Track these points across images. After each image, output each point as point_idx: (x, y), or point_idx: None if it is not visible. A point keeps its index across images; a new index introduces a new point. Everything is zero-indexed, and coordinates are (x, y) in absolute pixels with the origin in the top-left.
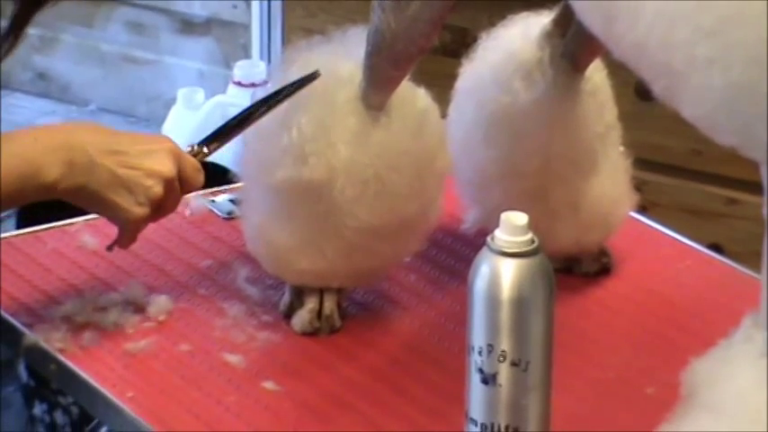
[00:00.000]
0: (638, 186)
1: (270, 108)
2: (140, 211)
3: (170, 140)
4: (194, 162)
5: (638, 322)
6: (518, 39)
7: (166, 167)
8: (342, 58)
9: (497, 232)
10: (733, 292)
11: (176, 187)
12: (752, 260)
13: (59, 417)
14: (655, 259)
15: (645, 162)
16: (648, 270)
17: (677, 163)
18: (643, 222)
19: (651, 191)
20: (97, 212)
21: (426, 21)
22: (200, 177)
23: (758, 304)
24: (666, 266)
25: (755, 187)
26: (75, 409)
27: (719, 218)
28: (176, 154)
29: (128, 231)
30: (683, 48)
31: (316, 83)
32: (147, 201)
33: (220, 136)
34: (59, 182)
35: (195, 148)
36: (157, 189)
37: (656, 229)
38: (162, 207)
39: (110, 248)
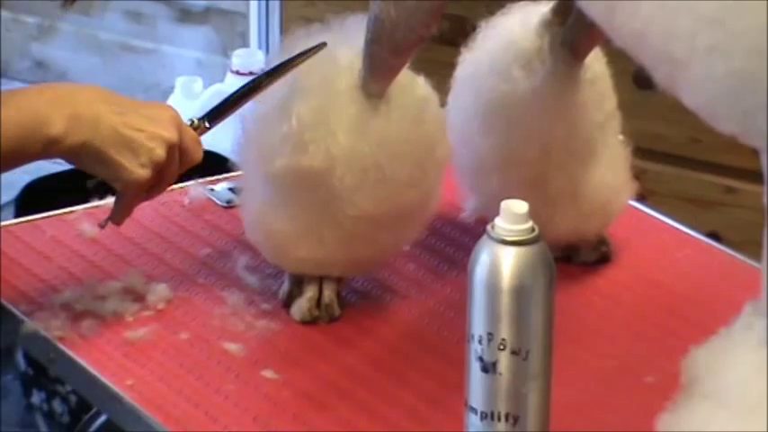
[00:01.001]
0: (637, 175)
1: (272, 81)
2: (143, 172)
3: (172, 109)
4: (194, 134)
5: (637, 311)
6: (517, 27)
7: (169, 132)
8: (341, 46)
9: (497, 220)
10: (732, 281)
11: (176, 156)
12: (750, 249)
13: (58, 405)
14: (654, 248)
15: (643, 151)
16: (647, 259)
17: (675, 152)
18: (642, 211)
19: (649, 179)
20: (99, 173)
21: (426, 9)
22: (200, 150)
23: (758, 293)
24: (666, 255)
25: (754, 176)
26: (73, 398)
27: (717, 206)
28: (178, 123)
29: (126, 197)
30: (684, 36)
31: (315, 71)
32: (150, 163)
33: (222, 110)
34: (64, 136)
35: (196, 121)
36: (160, 152)
37: (656, 218)
38: (161, 176)
39: (103, 225)
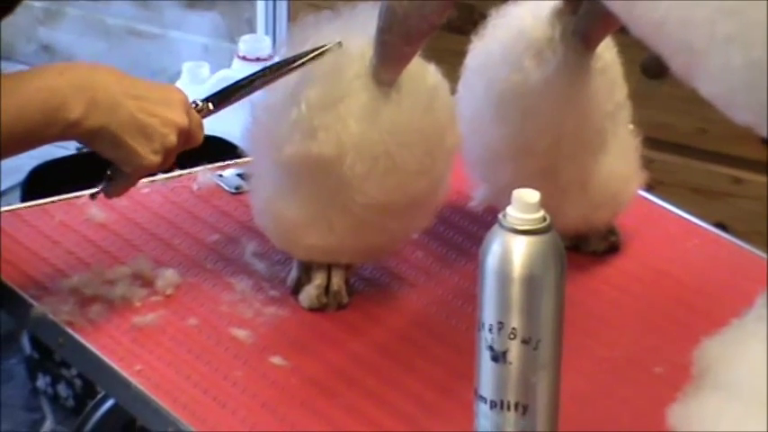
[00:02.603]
0: (644, 165)
1: (281, 74)
2: (155, 159)
3: (182, 91)
4: (199, 117)
5: (645, 301)
6: (529, 16)
7: (181, 118)
8: (352, 34)
9: (509, 209)
10: (741, 272)
11: (183, 140)
12: (756, 239)
13: (63, 389)
14: (662, 238)
15: (650, 140)
16: (656, 249)
17: (683, 141)
18: (650, 201)
19: (656, 169)
20: (111, 156)
21: None
22: (201, 134)
23: (766, 283)
24: (674, 245)
25: (761, 167)
26: (78, 382)
27: (724, 197)
28: (187, 106)
29: (131, 178)
30: (702, 26)
31: (326, 59)
32: (162, 149)
33: (227, 94)
34: (82, 120)
35: (200, 103)
36: (173, 138)
37: (664, 208)
38: (165, 157)
39: (93, 197)
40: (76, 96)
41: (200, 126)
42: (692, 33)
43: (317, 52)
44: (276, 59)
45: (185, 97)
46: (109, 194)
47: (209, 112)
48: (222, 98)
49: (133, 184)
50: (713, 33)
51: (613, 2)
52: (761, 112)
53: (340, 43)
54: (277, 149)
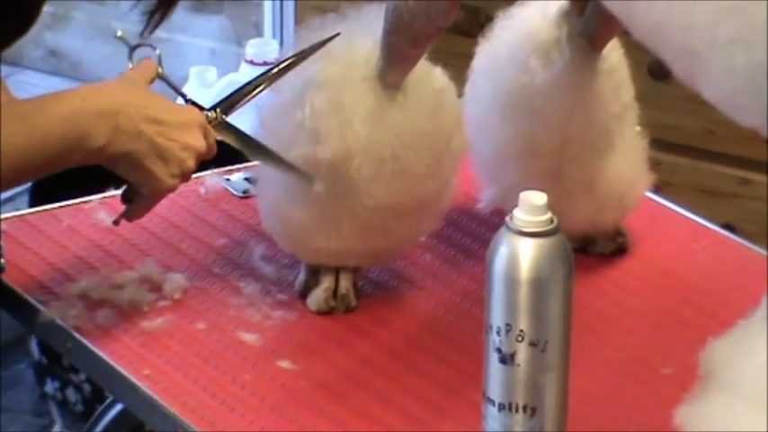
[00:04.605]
0: (651, 166)
1: (285, 71)
2: (172, 182)
3: (198, 112)
4: (214, 135)
5: (653, 302)
6: (535, 18)
7: (200, 142)
8: (358, 36)
9: (516, 212)
10: (749, 273)
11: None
12: (763, 240)
13: (71, 394)
14: (670, 239)
15: (657, 142)
16: (664, 250)
17: (690, 143)
18: (658, 202)
19: (664, 171)
20: (130, 178)
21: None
22: (215, 149)
23: None
24: (682, 246)
25: None
26: (87, 387)
27: (732, 198)
28: (205, 127)
29: (148, 202)
30: (704, 27)
31: (332, 62)
32: (180, 173)
33: (234, 100)
34: (106, 147)
35: (211, 114)
36: (191, 163)
37: (671, 209)
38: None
39: (116, 222)
40: (100, 124)
41: (215, 142)
42: (694, 35)
43: (317, 46)
44: (277, 60)
45: (203, 119)
46: (130, 218)
47: (221, 122)
48: (230, 105)
49: (153, 205)
50: (715, 35)
51: (612, 3)
52: (765, 114)
53: (337, 33)
54: (284, 152)
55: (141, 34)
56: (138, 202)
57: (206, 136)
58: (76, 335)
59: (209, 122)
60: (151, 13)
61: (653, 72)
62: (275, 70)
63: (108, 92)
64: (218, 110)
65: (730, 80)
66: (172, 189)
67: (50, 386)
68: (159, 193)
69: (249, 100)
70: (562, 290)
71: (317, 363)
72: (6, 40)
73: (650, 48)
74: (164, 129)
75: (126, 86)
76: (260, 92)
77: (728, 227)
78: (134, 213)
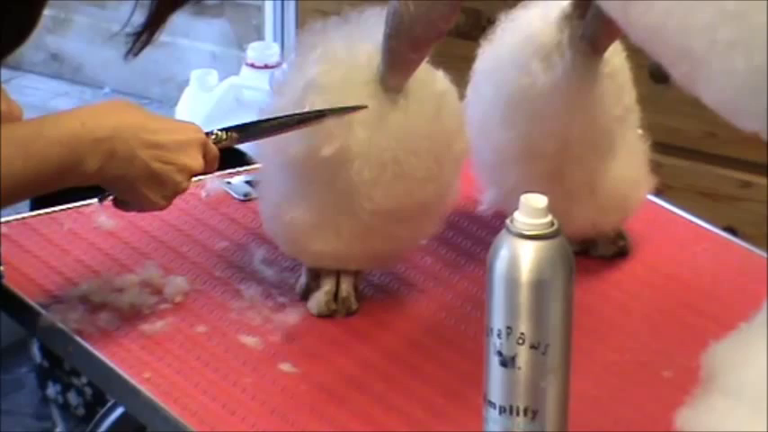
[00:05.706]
0: (653, 169)
1: (309, 123)
2: (164, 203)
3: (199, 130)
4: (215, 152)
5: (654, 305)
6: (537, 20)
7: (197, 162)
8: (359, 40)
9: (517, 214)
10: (750, 276)
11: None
12: (765, 243)
13: (73, 397)
14: (672, 242)
15: (659, 145)
16: (665, 253)
17: (691, 146)
18: (659, 205)
19: (665, 173)
20: (122, 197)
21: (445, 3)
22: (215, 166)
23: None
24: (683, 249)
25: None
26: (88, 390)
27: (733, 201)
28: (204, 145)
29: (138, 211)
30: (703, 31)
31: (333, 66)
32: (173, 195)
33: (252, 130)
34: (99, 172)
35: (219, 133)
36: (185, 185)
37: (673, 212)
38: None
39: (101, 200)
40: (95, 150)
41: (215, 159)
42: (693, 39)
43: (347, 110)
44: (308, 110)
45: (202, 136)
46: (119, 208)
47: (228, 143)
48: (245, 132)
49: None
50: (714, 39)
51: (611, 7)
52: (765, 117)
53: (365, 106)
54: (284, 152)
55: (125, 56)
56: (127, 207)
57: (205, 154)
58: (77, 338)
59: (218, 143)
60: (138, 35)
61: (654, 75)
62: (302, 118)
63: (107, 114)
64: (230, 132)
65: (730, 84)
66: (162, 208)
67: (52, 389)
68: (149, 210)
69: (267, 136)
70: (563, 293)
71: (318, 366)
72: (6, 49)
73: (649, 51)
74: (160, 152)
75: (125, 108)
76: (284, 131)
77: (730, 230)
78: (121, 208)
